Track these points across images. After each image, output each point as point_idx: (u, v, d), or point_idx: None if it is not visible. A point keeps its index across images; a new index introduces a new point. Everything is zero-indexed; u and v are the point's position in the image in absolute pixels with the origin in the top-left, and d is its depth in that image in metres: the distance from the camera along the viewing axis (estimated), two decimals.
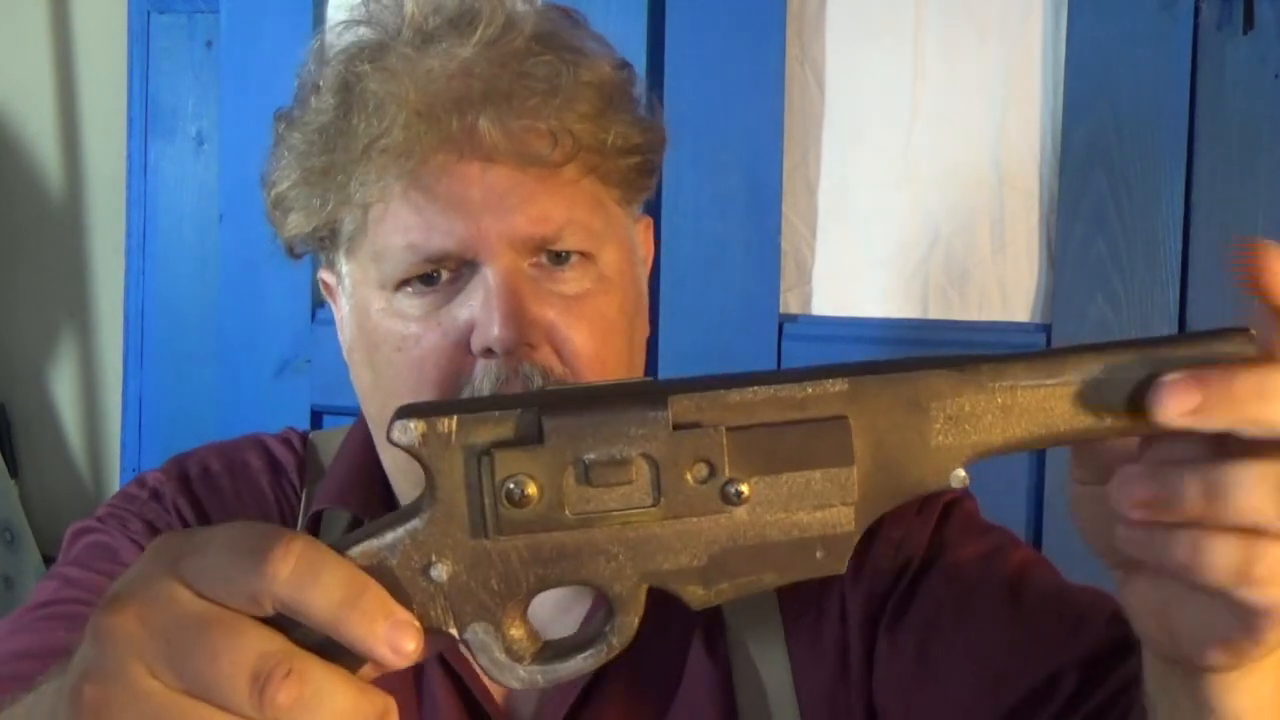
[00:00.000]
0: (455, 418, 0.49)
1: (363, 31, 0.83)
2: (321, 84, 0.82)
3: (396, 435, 0.49)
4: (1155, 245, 1.38)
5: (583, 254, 0.80)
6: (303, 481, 0.91)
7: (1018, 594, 0.80)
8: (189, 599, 0.47)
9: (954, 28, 1.45)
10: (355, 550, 0.49)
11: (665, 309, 1.50)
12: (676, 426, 0.49)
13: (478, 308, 0.77)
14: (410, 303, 0.79)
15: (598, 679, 0.81)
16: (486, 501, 0.49)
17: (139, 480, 0.92)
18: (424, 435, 0.49)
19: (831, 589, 0.83)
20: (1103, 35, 1.39)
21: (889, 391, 0.50)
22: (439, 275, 0.79)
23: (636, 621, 0.50)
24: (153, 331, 1.74)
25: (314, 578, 0.47)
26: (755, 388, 0.50)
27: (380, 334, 0.80)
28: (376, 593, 0.48)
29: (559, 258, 0.79)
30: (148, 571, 0.49)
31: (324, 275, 0.88)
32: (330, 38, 0.84)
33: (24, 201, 1.88)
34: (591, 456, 0.48)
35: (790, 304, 1.50)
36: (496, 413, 0.49)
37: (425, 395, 0.78)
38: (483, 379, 0.77)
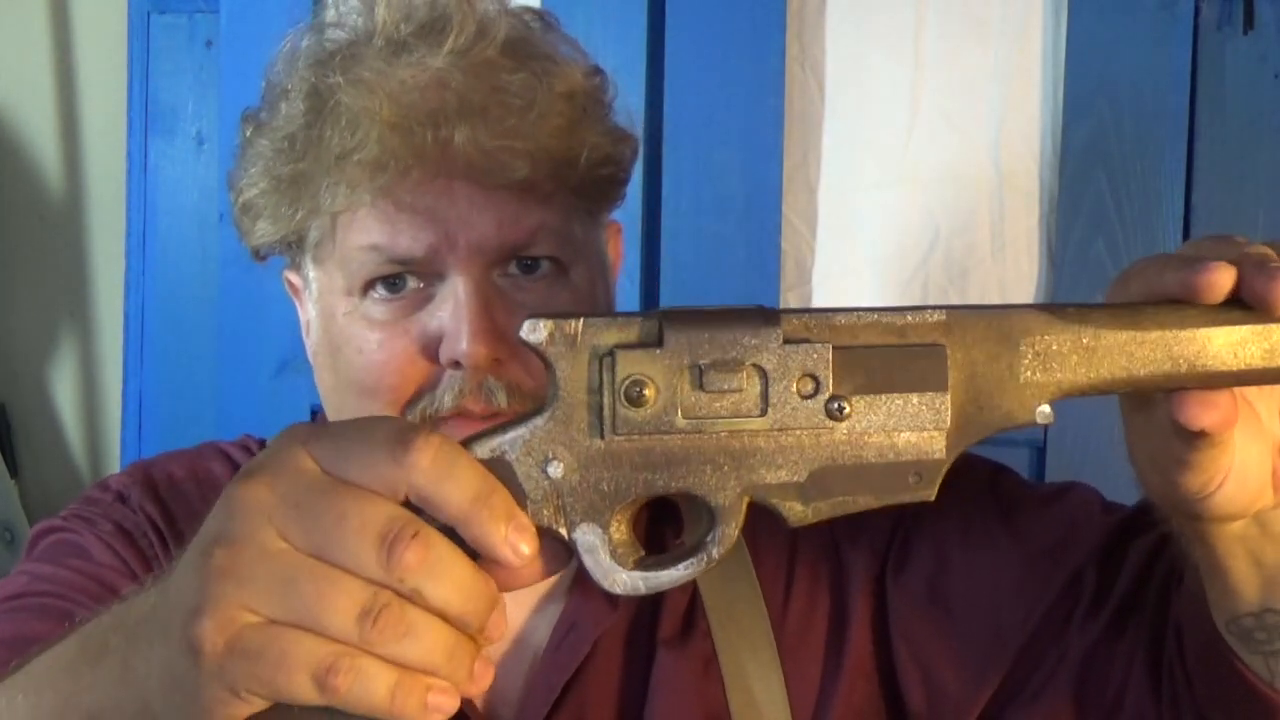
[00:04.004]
0: (581, 319, 0.52)
1: (332, 35, 0.82)
2: (290, 89, 0.81)
3: (526, 333, 0.52)
4: (1155, 245, 1.38)
5: (554, 261, 0.79)
6: None
7: (1007, 513, 0.83)
8: (321, 473, 0.49)
9: (954, 28, 1.45)
10: (477, 444, 0.52)
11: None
12: (787, 341, 0.52)
13: (447, 319, 0.77)
14: (377, 308, 0.78)
15: (575, 680, 0.82)
16: (606, 400, 0.52)
17: (102, 484, 0.91)
18: (551, 334, 0.52)
19: (823, 569, 0.85)
20: (1103, 35, 1.39)
21: (983, 324, 0.54)
22: (405, 281, 0.78)
23: (737, 533, 0.53)
24: (153, 331, 1.73)
25: (450, 471, 0.49)
26: (860, 312, 0.53)
27: (344, 336, 0.80)
28: (504, 495, 0.50)
29: (529, 267, 0.79)
30: (280, 448, 0.51)
31: (289, 276, 0.88)
32: (299, 41, 0.83)
33: (24, 201, 1.88)
34: (706, 362, 0.52)
35: (790, 304, 1.50)
36: (621, 317, 0.52)
37: (381, 399, 0.78)
38: (445, 391, 0.77)
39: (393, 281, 0.78)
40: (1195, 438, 0.56)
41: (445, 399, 0.77)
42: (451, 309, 0.77)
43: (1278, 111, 1.37)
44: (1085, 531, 0.80)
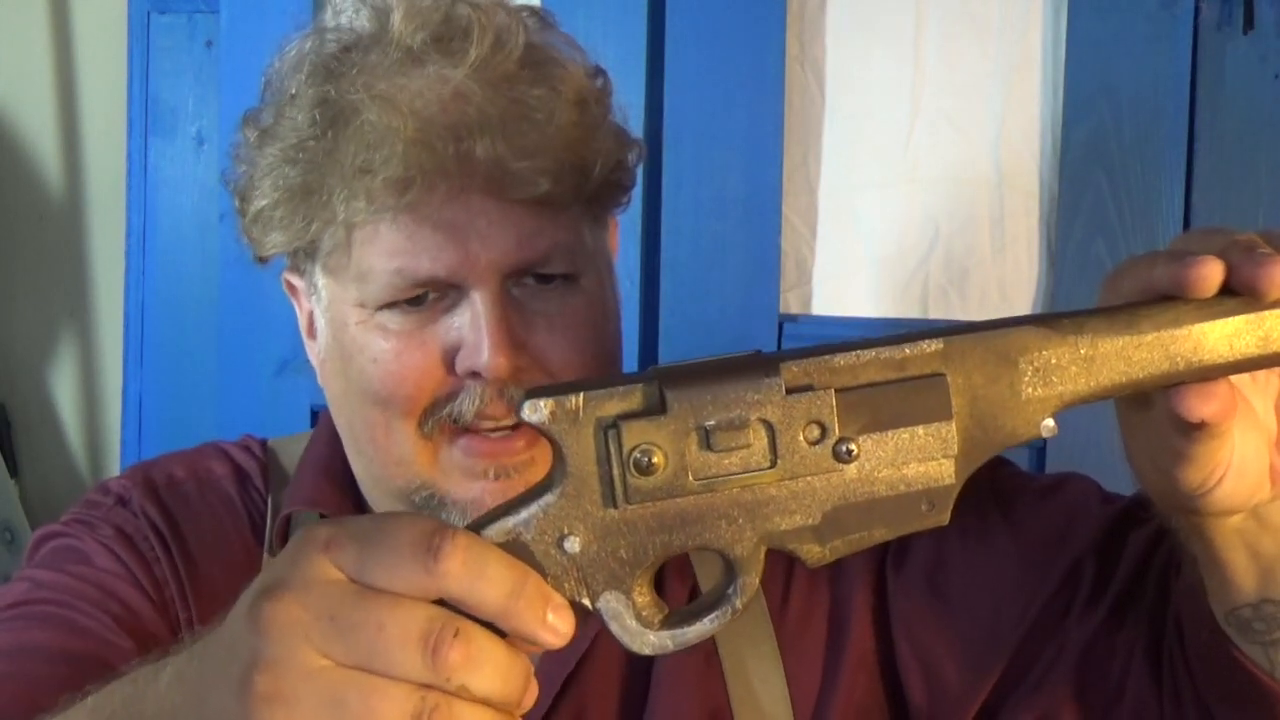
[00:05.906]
0: (582, 394, 0.52)
1: (340, 40, 0.81)
2: (297, 94, 0.80)
3: (527, 413, 0.52)
4: (1155, 245, 1.38)
5: (566, 275, 0.80)
6: (268, 488, 0.90)
7: (1006, 505, 0.83)
8: (349, 583, 0.49)
9: (954, 28, 1.45)
10: (491, 529, 0.52)
11: (665, 309, 1.49)
12: (789, 391, 0.52)
13: (465, 330, 0.77)
14: (393, 320, 0.79)
15: (575, 674, 0.82)
16: (616, 472, 0.51)
17: (103, 488, 0.91)
18: (553, 413, 0.52)
19: (820, 573, 0.84)
20: (1103, 35, 1.40)
21: (981, 348, 0.54)
22: (425, 297, 0.78)
23: (757, 581, 0.53)
24: (153, 331, 1.73)
25: (482, 571, 0.49)
26: (858, 351, 0.53)
27: (357, 345, 0.80)
28: (536, 581, 0.50)
29: (543, 278, 0.80)
30: (299, 558, 0.50)
31: (289, 277, 0.87)
32: (304, 44, 0.83)
33: (24, 201, 1.88)
34: (712, 423, 0.52)
35: (790, 304, 1.50)
36: (621, 387, 0.52)
37: (397, 409, 0.78)
38: (464, 400, 0.77)
39: (412, 298, 0.78)
40: (1194, 430, 0.56)
41: (465, 407, 0.77)
42: (470, 321, 0.77)
43: (1278, 111, 1.37)
44: (1084, 522, 0.81)
